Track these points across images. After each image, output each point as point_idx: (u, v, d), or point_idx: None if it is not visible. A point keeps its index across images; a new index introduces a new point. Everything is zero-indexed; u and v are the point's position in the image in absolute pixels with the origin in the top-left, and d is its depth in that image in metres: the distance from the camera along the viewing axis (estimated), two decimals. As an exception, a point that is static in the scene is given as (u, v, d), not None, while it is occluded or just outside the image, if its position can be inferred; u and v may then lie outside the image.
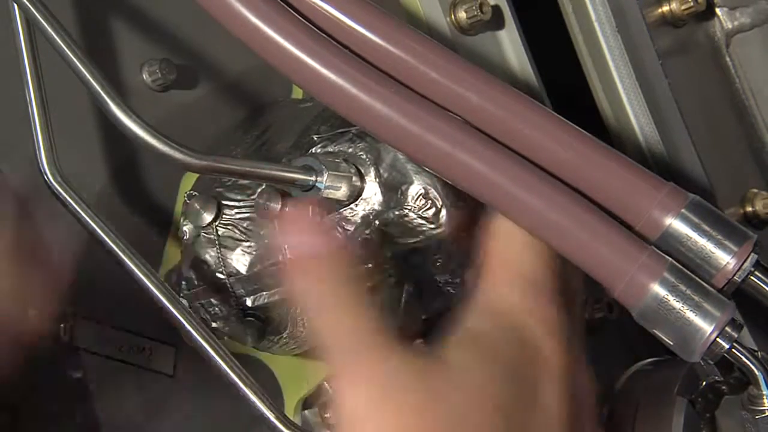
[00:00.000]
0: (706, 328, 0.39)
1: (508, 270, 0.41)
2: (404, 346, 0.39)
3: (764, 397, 0.41)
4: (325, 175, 0.42)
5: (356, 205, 0.43)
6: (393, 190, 0.43)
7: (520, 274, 0.41)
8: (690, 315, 0.39)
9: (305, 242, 0.40)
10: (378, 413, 0.37)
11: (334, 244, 0.42)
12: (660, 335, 0.40)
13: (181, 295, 0.47)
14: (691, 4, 0.59)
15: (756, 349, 0.41)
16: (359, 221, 0.43)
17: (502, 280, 0.41)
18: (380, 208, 0.44)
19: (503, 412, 0.38)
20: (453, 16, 0.51)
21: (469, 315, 0.40)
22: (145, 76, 0.50)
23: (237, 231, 0.47)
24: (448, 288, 0.47)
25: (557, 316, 0.41)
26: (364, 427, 0.37)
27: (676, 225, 0.40)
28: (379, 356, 0.38)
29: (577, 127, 0.41)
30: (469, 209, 0.44)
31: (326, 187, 0.42)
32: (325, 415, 0.51)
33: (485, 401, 0.38)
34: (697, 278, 0.40)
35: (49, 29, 0.38)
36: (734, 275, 0.40)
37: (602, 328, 0.57)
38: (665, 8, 0.60)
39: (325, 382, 0.52)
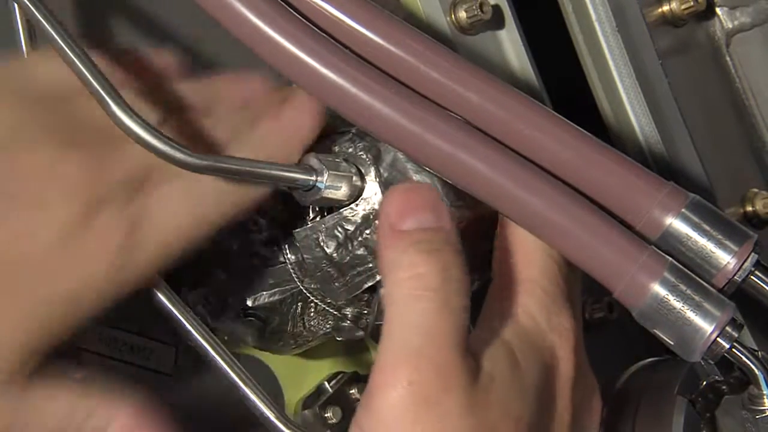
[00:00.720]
0: (707, 327, 0.39)
1: (530, 280, 0.41)
2: (462, 355, 0.37)
3: (764, 396, 0.41)
4: (325, 175, 0.42)
5: (356, 205, 0.43)
6: (393, 189, 0.43)
7: (540, 284, 0.41)
8: (690, 315, 0.39)
9: (427, 217, 0.38)
10: (410, 425, 0.36)
11: (454, 230, 0.39)
12: (660, 335, 0.40)
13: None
14: (691, 3, 0.59)
15: (756, 348, 0.41)
16: (360, 221, 0.43)
17: (524, 290, 0.41)
18: (381, 207, 0.44)
19: (527, 425, 0.38)
20: (453, 16, 0.51)
21: (499, 324, 0.40)
22: (145, 75, 0.50)
23: (237, 231, 0.47)
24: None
25: (570, 323, 0.41)
26: None
27: (677, 225, 0.40)
28: (438, 364, 0.36)
29: (577, 127, 0.41)
30: (470, 209, 0.43)
31: (326, 187, 0.42)
32: (325, 415, 0.51)
33: (511, 415, 0.38)
34: (697, 278, 0.40)
35: (50, 29, 0.38)
36: (734, 275, 0.40)
37: (602, 328, 0.57)
38: (665, 8, 0.60)
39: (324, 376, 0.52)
